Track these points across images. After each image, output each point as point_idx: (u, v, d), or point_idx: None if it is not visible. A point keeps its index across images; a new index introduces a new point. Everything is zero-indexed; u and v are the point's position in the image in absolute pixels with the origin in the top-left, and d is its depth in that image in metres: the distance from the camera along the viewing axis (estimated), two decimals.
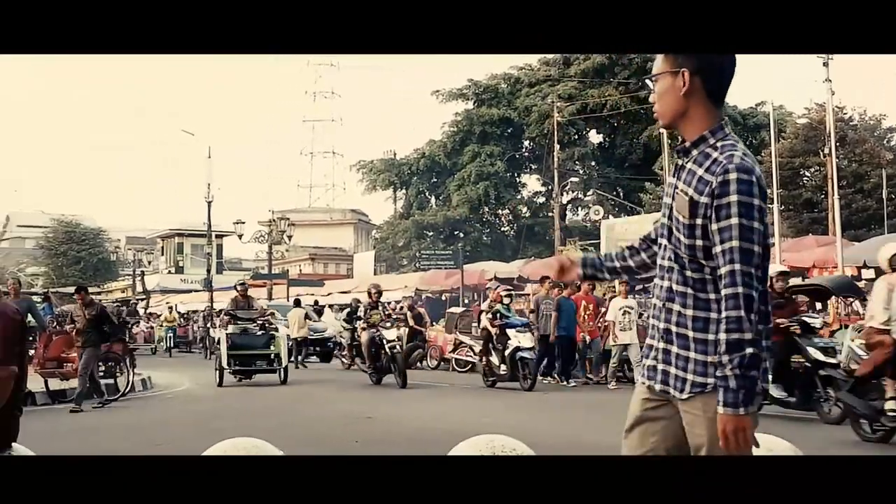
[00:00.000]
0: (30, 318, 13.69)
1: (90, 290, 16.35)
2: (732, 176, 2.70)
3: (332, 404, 14.20)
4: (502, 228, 54.57)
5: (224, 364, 17.27)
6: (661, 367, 2.93)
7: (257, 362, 17.71)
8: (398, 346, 16.58)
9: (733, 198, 2.69)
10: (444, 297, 34.74)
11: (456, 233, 50.93)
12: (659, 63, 2.95)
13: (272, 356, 17.60)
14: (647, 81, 3.03)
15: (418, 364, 21.63)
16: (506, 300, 16.90)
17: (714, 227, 2.73)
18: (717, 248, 2.73)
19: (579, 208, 52.73)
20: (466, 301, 32.36)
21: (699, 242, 2.80)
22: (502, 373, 15.91)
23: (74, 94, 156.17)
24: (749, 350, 2.64)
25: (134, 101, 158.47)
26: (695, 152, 2.88)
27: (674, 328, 2.88)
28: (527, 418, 11.82)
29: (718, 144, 2.84)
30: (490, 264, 35.50)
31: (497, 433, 4.48)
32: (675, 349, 2.88)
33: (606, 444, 8.53)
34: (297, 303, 26.61)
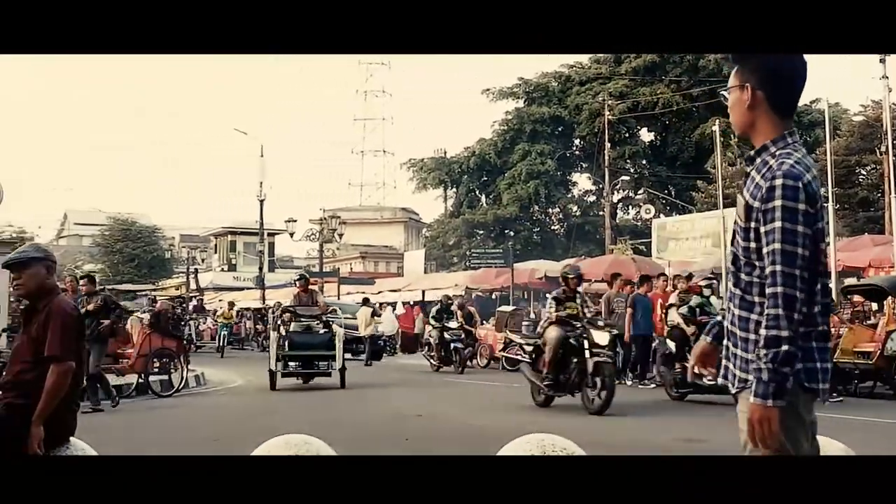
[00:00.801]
0: None
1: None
2: (778, 182, 2.88)
3: (383, 401, 14.26)
4: (552, 227, 54.30)
5: (273, 367, 15.66)
6: (724, 362, 3.13)
7: (319, 363, 16.16)
8: (606, 357, 11.87)
9: (777, 202, 2.86)
10: (494, 296, 34.74)
11: (506, 231, 50.78)
12: (732, 76, 3.14)
13: (333, 357, 15.89)
14: (723, 94, 3.20)
15: (468, 363, 21.54)
16: (706, 291, 14.02)
17: (762, 229, 2.91)
18: (764, 250, 2.90)
19: (630, 207, 52.38)
20: (517, 299, 32.35)
21: (752, 245, 2.98)
22: (708, 382, 11.59)
23: (121, 92, 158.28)
24: (785, 347, 2.80)
25: (192, 99, 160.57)
26: (758, 160, 3.06)
27: (729, 326, 3.09)
28: (580, 419, 11.76)
29: (777, 153, 3.00)
30: (540, 263, 35.36)
31: (549, 433, 4.48)
32: (730, 345, 3.08)
33: (679, 448, 8.53)
34: (366, 301, 26.88)
